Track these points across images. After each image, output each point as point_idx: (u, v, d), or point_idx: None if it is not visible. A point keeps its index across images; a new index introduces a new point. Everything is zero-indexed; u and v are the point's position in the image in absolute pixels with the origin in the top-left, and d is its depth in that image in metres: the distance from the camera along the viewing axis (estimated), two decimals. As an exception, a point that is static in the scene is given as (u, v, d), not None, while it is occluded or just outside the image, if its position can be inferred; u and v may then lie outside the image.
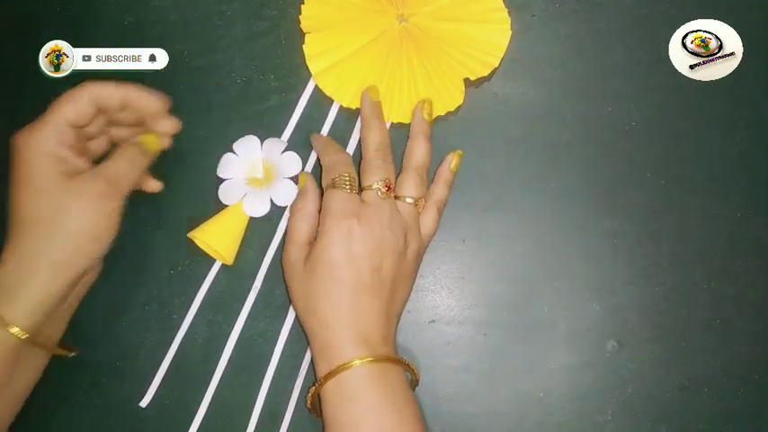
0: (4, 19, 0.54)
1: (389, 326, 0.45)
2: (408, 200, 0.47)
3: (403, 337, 0.48)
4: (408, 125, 0.50)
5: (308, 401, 0.43)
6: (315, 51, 0.51)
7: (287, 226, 0.48)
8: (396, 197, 0.47)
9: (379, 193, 0.45)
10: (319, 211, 0.46)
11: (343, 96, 0.51)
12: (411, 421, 0.42)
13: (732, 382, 0.47)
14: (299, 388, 0.48)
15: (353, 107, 0.51)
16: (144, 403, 0.48)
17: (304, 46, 0.51)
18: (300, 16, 0.52)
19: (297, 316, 0.47)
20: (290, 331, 0.49)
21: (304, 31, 0.52)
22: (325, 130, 0.51)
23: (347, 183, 0.45)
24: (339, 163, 0.46)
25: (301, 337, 0.48)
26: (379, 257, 0.44)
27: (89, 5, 0.54)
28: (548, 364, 0.48)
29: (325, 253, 0.44)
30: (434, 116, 0.50)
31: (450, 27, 0.50)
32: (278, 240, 0.50)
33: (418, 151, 0.48)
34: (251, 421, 0.48)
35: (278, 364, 0.48)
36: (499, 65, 0.50)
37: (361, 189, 0.46)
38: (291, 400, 0.48)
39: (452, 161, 0.49)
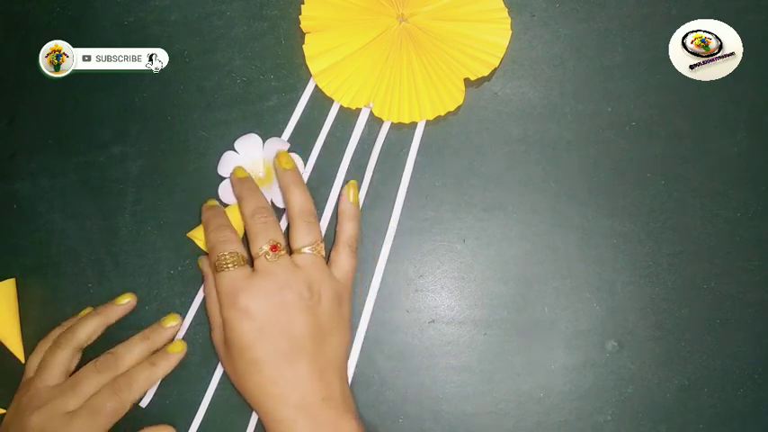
0: (4, 19, 0.54)
1: (328, 383, 0.43)
2: (305, 249, 0.45)
3: (403, 337, 0.48)
4: (408, 126, 0.50)
5: None
6: (315, 52, 0.51)
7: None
8: (292, 252, 0.45)
9: (268, 257, 0.44)
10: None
11: (344, 96, 0.51)
12: None
13: (732, 382, 0.47)
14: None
15: (354, 107, 0.51)
16: (144, 403, 0.48)
17: (304, 46, 0.52)
18: (300, 16, 0.52)
19: None
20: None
21: (304, 31, 0.52)
22: (324, 130, 0.51)
23: (229, 261, 0.44)
24: (218, 242, 0.45)
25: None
26: (287, 321, 0.43)
27: (89, 5, 0.54)
28: (548, 364, 0.48)
29: (232, 338, 0.43)
30: (434, 116, 0.50)
31: (451, 27, 0.50)
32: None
33: (295, 199, 0.46)
34: (251, 421, 0.48)
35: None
36: (499, 65, 0.50)
37: (250, 258, 0.45)
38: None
39: (349, 193, 0.48)
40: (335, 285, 0.45)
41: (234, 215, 0.49)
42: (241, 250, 0.45)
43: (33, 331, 0.50)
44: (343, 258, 0.47)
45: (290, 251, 0.46)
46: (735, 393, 0.47)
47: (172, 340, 0.48)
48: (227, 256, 0.44)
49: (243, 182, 0.48)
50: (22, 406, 0.45)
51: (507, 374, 0.48)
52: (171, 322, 0.48)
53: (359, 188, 0.49)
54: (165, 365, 0.47)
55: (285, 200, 0.47)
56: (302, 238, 0.45)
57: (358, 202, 0.48)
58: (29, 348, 0.49)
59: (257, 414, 0.44)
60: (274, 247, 0.44)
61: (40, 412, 0.44)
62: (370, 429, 0.47)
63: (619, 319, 0.48)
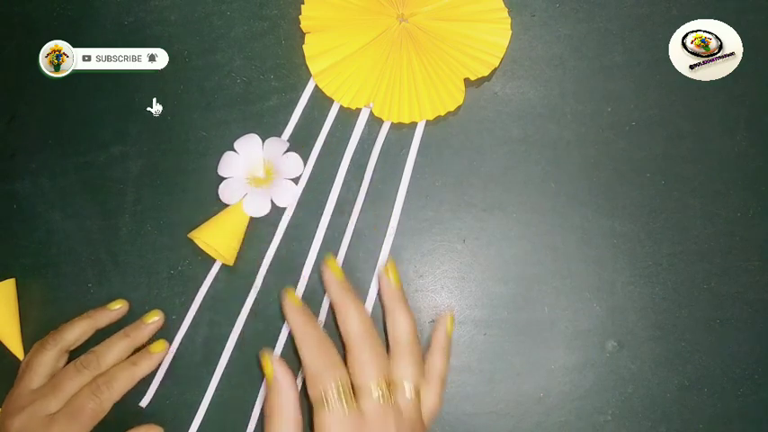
0: (4, 19, 0.54)
1: None
2: (407, 385, 0.40)
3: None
4: (408, 126, 0.50)
5: None
6: (315, 52, 0.51)
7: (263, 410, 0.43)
8: (389, 383, 0.41)
9: (382, 400, 0.39)
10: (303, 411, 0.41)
11: (344, 96, 0.51)
12: None
13: (732, 382, 0.47)
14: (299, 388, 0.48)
15: (354, 107, 0.51)
16: (144, 403, 0.48)
17: (304, 46, 0.52)
18: (300, 16, 0.52)
19: None
20: (290, 331, 0.49)
21: (304, 31, 0.52)
22: (324, 130, 0.51)
23: (341, 396, 0.39)
24: (328, 369, 0.40)
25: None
26: None
27: (89, 5, 0.54)
28: (548, 364, 0.48)
29: None
30: (434, 116, 0.50)
31: (451, 27, 0.50)
32: (278, 240, 0.50)
33: (402, 324, 0.42)
34: (251, 421, 0.47)
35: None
36: (499, 65, 0.50)
37: (352, 387, 0.40)
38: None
39: (448, 325, 0.45)
40: (424, 430, 0.41)
41: (234, 215, 0.49)
42: (348, 378, 0.40)
43: (33, 332, 0.50)
44: (434, 396, 0.42)
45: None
46: (735, 393, 0.47)
47: (154, 339, 0.48)
48: (341, 392, 0.39)
49: (346, 294, 0.43)
50: (6, 410, 0.45)
51: (507, 374, 0.48)
52: (152, 317, 0.48)
53: (358, 186, 0.50)
54: (147, 365, 0.46)
55: (391, 320, 0.43)
56: (408, 371, 0.41)
57: (452, 333, 0.45)
58: (28, 348, 0.49)
59: None
60: (389, 383, 0.40)
61: (21, 415, 0.43)
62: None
63: (619, 319, 0.48)
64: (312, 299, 0.49)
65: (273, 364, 0.42)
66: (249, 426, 0.47)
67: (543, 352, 0.48)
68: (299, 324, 0.43)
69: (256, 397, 0.48)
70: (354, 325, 0.42)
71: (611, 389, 0.47)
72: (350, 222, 0.49)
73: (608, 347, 0.48)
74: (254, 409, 0.48)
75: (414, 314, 0.45)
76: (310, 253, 0.49)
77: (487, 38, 0.50)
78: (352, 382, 0.40)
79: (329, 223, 0.50)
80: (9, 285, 0.50)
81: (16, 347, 0.49)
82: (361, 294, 0.48)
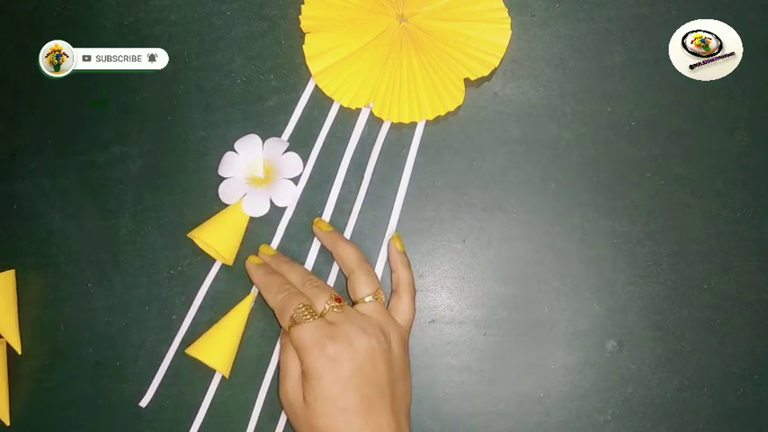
0: (4, 19, 0.54)
1: (404, 425, 0.43)
2: (367, 299, 0.45)
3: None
4: (408, 126, 0.50)
5: None
6: (315, 52, 0.51)
7: (279, 361, 0.46)
8: (354, 303, 0.46)
9: (336, 310, 0.44)
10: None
11: (344, 96, 0.51)
12: None
13: (732, 382, 0.47)
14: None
15: (354, 107, 0.51)
16: (144, 403, 0.48)
17: (304, 46, 0.52)
18: (300, 17, 0.52)
19: None
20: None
21: (304, 31, 0.52)
22: (324, 130, 0.51)
23: (307, 314, 0.43)
24: (288, 299, 0.44)
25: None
26: (371, 367, 0.42)
27: (89, 5, 0.54)
28: (548, 364, 0.48)
29: (318, 388, 0.42)
30: (434, 116, 0.50)
31: (451, 27, 0.50)
32: (278, 240, 0.50)
33: (348, 253, 0.47)
34: (251, 421, 0.48)
35: (279, 364, 0.48)
36: (499, 65, 0.50)
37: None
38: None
39: (396, 244, 0.48)
40: (400, 330, 0.45)
41: (234, 215, 0.49)
42: (308, 302, 0.45)
43: (33, 331, 0.50)
44: (405, 304, 0.46)
45: (352, 304, 0.46)
46: (735, 393, 0.47)
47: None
48: (304, 310, 0.44)
49: (275, 259, 0.48)
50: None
51: (507, 374, 0.48)
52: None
53: (358, 186, 0.50)
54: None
55: (337, 256, 0.47)
56: (364, 288, 0.46)
57: (405, 252, 0.48)
58: (26, 342, 0.49)
59: None
60: (338, 299, 0.45)
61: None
62: None
63: (619, 319, 0.48)
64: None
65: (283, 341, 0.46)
66: (249, 426, 0.47)
67: (543, 352, 0.48)
68: (258, 277, 0.48)
69: (256, 397, 0.48)
70: (294, 273, 0.47)
71: (612, 389, 0.47)
72: (349, 222, 0.49)
73: (608, 347, 0.48)
74: (255, 410, 0.48)
75: (358, 247, 0.47)
76: (310, 253, 0.49)
77: (487, 38, 0.50)
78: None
79: (329, 223, 0.50)
80: (8, 276, 0.50)
81: (14, 338, 0.49)
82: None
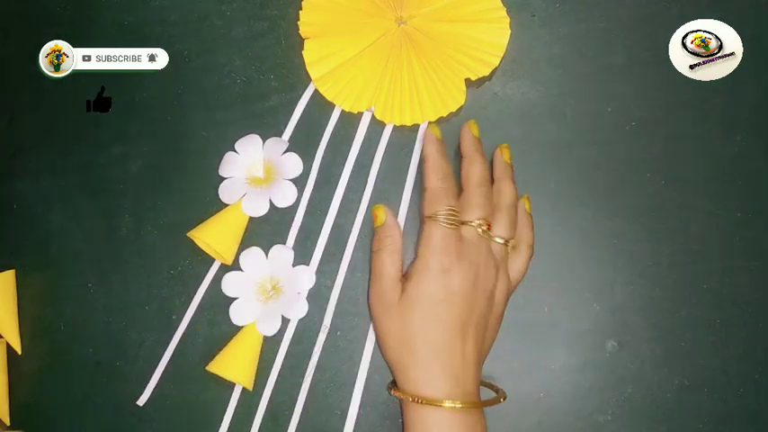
0: (5, 19, 0.54)
1: (479, 369, 0.44)
2: (499, 240, 0.46)
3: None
4: (411, 128, 0.50)
5: (390, 391, 0.44)
6: (314, 57, 0.51)
7: (372, 262, 0.47)
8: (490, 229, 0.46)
9: (480, 231, 0.45)
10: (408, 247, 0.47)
11: (345, 101, 0.51)
12: None
13: (732, 382, 0.47)
14: (306, 392, 0.48)
15: (355, 111, 0.51)
16: (142, 402, 0.48)
17: (303, 52, 0.51)
18: (299, 22, 0.52)
19: (384, 352, 0.45)
20: (293, 332, 0.49)
21: (303, 37, 0.52)
22: (327, 132, 0.51)
23: (451, 220, 0.44)
24: (444, 195, 0.45)
25: (302, 336, 0.48)
26: (473, 297, 0.43)
27: (89, 5, 0.54)
28: (548, 364, 0.48)
29: (425, 287, 0.43)
30: (436, 117, 0.50)
31: (450, 28, 0.50)
32: (277, 240, 0.50)
33: (507, 193, 0.47)
34: (254, 422, 0.47)
35: (280, 364, 0.48)
36: (499, 64, 0.50)
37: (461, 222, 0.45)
38: (299, 400, 0.48)
39: (526, 204, 0.48)
40: (509, 285, 0.46)
41: (234, 215, 0.49)
42: (458, 209, 0.45)
43: (32, 331, 0.50)
44: (521, 261, 0.47)
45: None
46: (735, 393, 0.47)
47: None
48: (452, 214, 0.44)
49: (474, 142, 0.48)
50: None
51: (507, 374, 0.48)
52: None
53: (363, 188, 0.50)
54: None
55: (498, 187, 0.48)
56: (504, 230, 0.46)
57: (530, 210, 0.49)
58: (26, 340, 0.49)
59: (401, 374, 0.44)
60: (489, 226, 0.45)
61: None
62: (370, 429, 0.47)
63: (619, 319, 0.48)
64: (319, 295, 0.49)
65: (386, 214, 0.48)
66: (253, 426, 0.47)
67: (543, 352, 0.48)
68: (433, 151, 0.47)
69: (260, 400, 0.48)
70: (475, 174, 0.46)
71: (611, 389, 0.47)
72: (355, 223, 0.49)
73: (608, 347, 0.48)
74: (255, 409, 0.48)
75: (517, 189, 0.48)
76: (314, 254, 0.49)
77: (487, 38, 0.50)
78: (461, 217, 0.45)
79: (333, 224, 0.50)
80: (8, 276, 0.50)
81: (14, 339, 0.49)
82: (363, 294, 0.48)
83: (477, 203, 0.45)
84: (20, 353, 0.49)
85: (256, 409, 0.48)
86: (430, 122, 0.49)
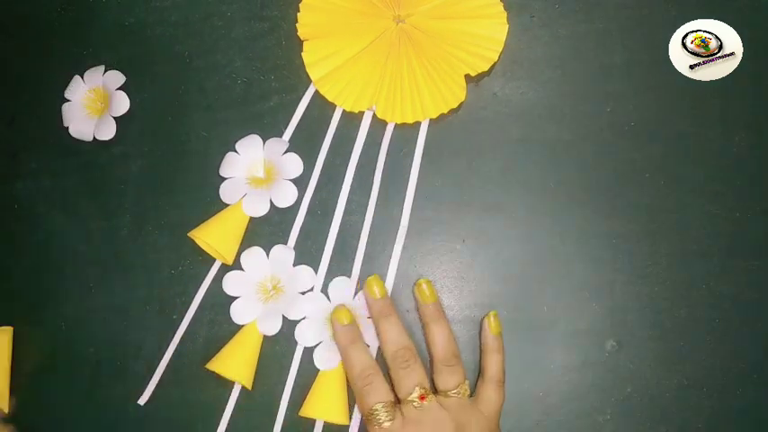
0: (5, 19, 0.54)
1: None
2: (451, 393, 0.44)
3: (403, 336, 0.48)
4: (412, 126, 0.50)
5: None
6: (314, 58, 0.51)
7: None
8: (437, 393, 0.45)
9: (415, 405, 0.43)
10: None
11: (345, 101, 0.51)
12: None
13: (732, 382, 0.47)
14: (290, 388, 0.48)
15: (356, 110, 0.51)
16: (142, 401, 0.48)
17: (303, 54, 0.51)
18: (297, 24, 0.52)
19: None
20: (293, 330, 0.49)
21: (302, 38, 0.52)
22: (330, 130, 0.51)
23: (386, 414, 0.43)
24: (369, 393, 0.44)
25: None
26: None
27: (89, 6, 0.54)
28: (547, 363, 0.48)
29: None
30: (437, 114, 0.50)
31: (447, 25, 0.50)
32: (278, 240, 0.50)
33: (436, 339, 0.46)
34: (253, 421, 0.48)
35: (281, 363, 0.48)
36: (498, 59, 0.50)
37: (397, 399, 0.44)
38: (299, 400, 0.48)
39: (492, 325, 0.47)
40: (484, 423, 0.44)
41: (234, 215, 0.49)
42: (390, 396, 0.44)
43: (33, 331, 0.50)
44: (492, 394, 0.45)
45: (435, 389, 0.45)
46: (734, 393, 0.47)
47: None
48: (383, 410, 0.43)
49: (384, 313, 0.46)
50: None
51: (507, 374, 0.47)
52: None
53: (368, 187, 0.50)
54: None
55: (427, 336, 0.46)
56: (447, 382, 0.45)
57: (501, 334, 0.47)
58: (26, 340, 0.49)
59: None
60: (422, 396, 0.44)
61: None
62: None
63: (618, 319, 0.48)
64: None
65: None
66: (249, 425, 0.48)
67: (542, 351, 0.48)
68: (342, 342, 0.46)
69: (256, 395, 0.48)
70: (391, 341, 0.45)
71: (611, 388, 0.47)
72: (364, 223, 0.49)
73: (607, 347, 0.48)
74: (255, 408, 0.48)
75: (450, 328, 0.47)
76: (324, 253, 0.49)
77: (485, 33, 0.50)
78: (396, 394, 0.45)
79: (340, 224, 0.50)
80: (5, 334, 0.50)
81: (1, 398, 0.49)
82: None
83: (401, 377, 0.44)
84: (6, 411, 0.49)
85: (256, 409, 0.48)
86: (336, 309, 0.47)
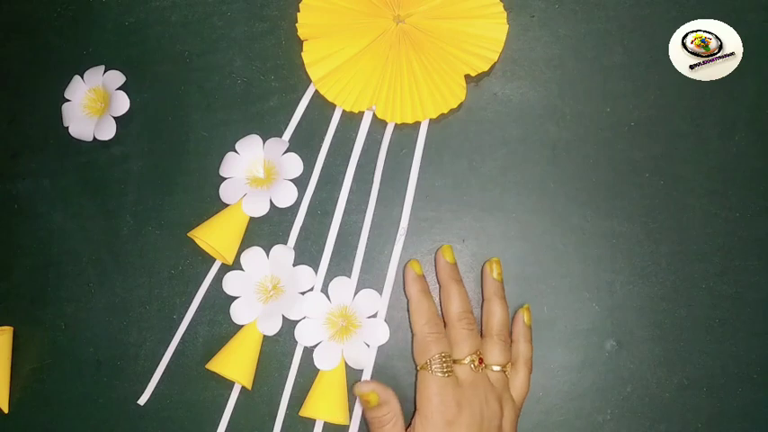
0: (5, 19, 0.54)
1: None
2: (496, 368, 0.45)
3: (402, 337, 0.48)
4: (411, 126, 0.50)
5: None
6: (314, 58, 0.51)
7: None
8: (481, 360, 0.45)
9: (473, 367, 0.44)
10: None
11: (345, 101, 0.51)
12: None
13: (732, 382, 0.47)
14: (290, 388, 0.48)
15: (356, 110, 0.51)
16: (143, 401, 0.48)
17: (303, 54, 0.51)
18: (297, 24, 0.52)
19: None
20: (293, 330, 0.49)
21: (301, 38, 0.52)
22: (330, 130, 0.51)
23: (444, 368, 0.44)
24: (433, 341, 0.45)
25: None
26: None
27: (90, 6, 0.54)
28: (547, 363, 0.48)
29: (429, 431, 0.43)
30: (437, 114, 0.50)
31: (447, 25, 0.50)
32: (278, 240, 0.50)
33: (497, 315, 0.47)
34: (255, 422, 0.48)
35: (281, 363, 0.48)
36: (498, 59, 0.50)
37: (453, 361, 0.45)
38: (299, 399, 0.48)
39: (525, 317, 0.48)
40: (515, 409, 0.45)
41: (234, 215, 0.49)
42: (450, 351, 0.45)
43: (33, 331, 0.50)
44: (521, 379, 0.46)
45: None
46: (734, 393, 0.47)
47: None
48: (442, 362, 0.44)
49: (450, 269, 0.47)
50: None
51: (507, 374, 0.48)
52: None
53: (367, 187, 0.50)
54: None
55: (487, 310, 0.47)
56: (498, 356, 0.46)
57: (531, 326, 0.48)
58: (26, 340, 0.49)
59: None
60: (480, 360, 0.45)
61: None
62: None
63: (618, 319, 0.48)
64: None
65: (379, 394, 0.45)
66: (249, 425, 0.48)
67: (542, 351, 0.48)
68: (415, 293, 0.47)
69: (256, 395, 0.48)
70: (454, 306, 0.46)
71: (611, 388, 0.47)
72: (365, 222, 0.49)
73: (607, 347, 0.48)
74: (255, 408, 0.48)
75: (508, 307, 0.47)
76: (324, 253, 0.49)
77: (485, 33, 0.50)
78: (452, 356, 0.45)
79: (341, 223, 0.50)
80: (5, 334, 0.50)
81: (2, 399, 0.49)
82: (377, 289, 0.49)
83: (463, 338, 0.45)
84: (6, 411, 0.49)
85: (256, 409, 0.48)
86: (411, 261, 0.48)
